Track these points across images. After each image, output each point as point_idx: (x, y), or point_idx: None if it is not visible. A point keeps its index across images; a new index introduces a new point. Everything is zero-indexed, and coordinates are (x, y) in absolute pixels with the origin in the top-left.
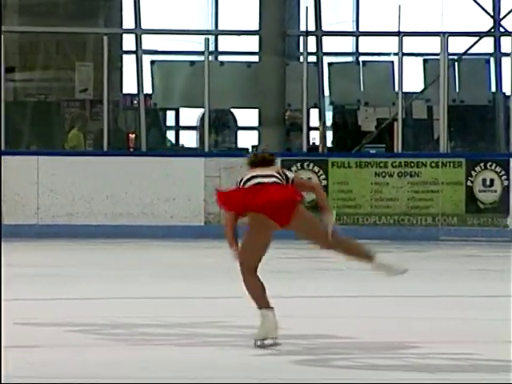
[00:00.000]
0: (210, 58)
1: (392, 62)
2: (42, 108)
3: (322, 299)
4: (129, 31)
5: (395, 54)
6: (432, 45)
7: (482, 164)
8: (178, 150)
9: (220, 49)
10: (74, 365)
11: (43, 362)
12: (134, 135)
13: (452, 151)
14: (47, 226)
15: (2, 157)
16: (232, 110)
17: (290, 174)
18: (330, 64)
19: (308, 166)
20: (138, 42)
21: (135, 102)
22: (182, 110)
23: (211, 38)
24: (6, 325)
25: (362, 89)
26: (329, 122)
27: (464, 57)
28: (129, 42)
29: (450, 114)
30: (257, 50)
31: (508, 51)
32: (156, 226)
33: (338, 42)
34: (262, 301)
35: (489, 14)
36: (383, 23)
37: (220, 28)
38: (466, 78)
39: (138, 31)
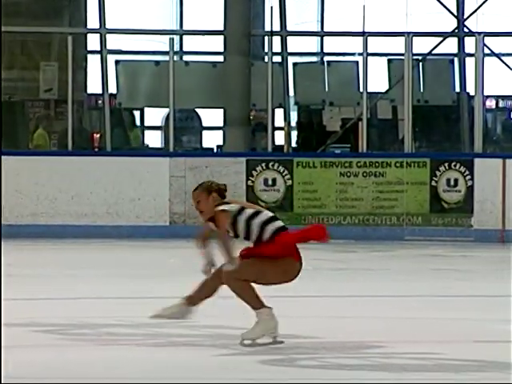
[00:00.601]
0: (175, 57)
1: (357, 62)
2: (7, 108)
3: (283, 299)
4: (93, 31)
5: (360, 54)
6: (396, 45)
7: (446, 164)
8: (143, 150)
9: (185, 49)
10: (37, 365)
11: (5, 362)
12: (98, 135)
13: (416, 151)
14: (11, 225)
15: None
16: (197, 109)
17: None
18: (294, 64)
19: (273, 165)
20: (103, 41)
21: (100, 101)
22: (146, 110)
23: (176, 37)
24: None
25: (326, 89)
26: (294, 122)
27: (428, 57)
28: (93, 42)
29: (415, 114)
30: (222, 49)
31: (472, 51)
32: (121, 225)
33: (302, 41)
34: (258, 301)
35: (453, 14)
36: (348, 23)
37: (185, 28)
38: (431, 78)
39: (103, 31)
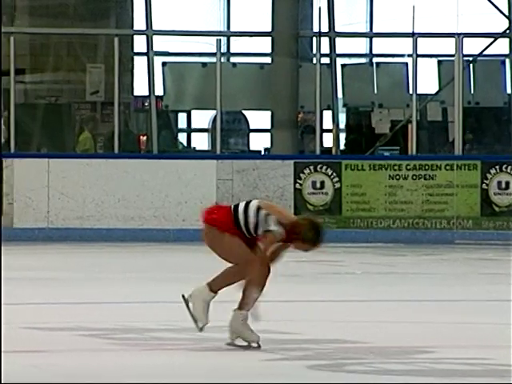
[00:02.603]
0: (222, 59)
1: (406, 63)
2: (53, 110)
3: (333, 303)
4: (140, 32)
5: (409, 56)
6: (447, 46)
7: (497, 166)
8: (190, 153)
9: (232, 50)
10: (85, 369)
11: (54, 367)
12: (145, 137)
13: (467, 153)
14: (57, 229)
15: (13, 159)
16: (244, 111)
17: None
18: (343, 65)
19: (321, 168)
20: (150, 43)
21: (146, 104)
22: (193, 112)
23: (223, 39)
24: (16, 329)
25: (375, 90)
26: (342, 124)
27: (479, 58)
28: (140, 44)
29: (465, 116)
30: (269, 51)
31: None
32: (168, 229)
33: (351, 43)
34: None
35: (504, 14)
36: (397, 24)
37: (232, 29)
38: (481, 79)
39: (150, 32)
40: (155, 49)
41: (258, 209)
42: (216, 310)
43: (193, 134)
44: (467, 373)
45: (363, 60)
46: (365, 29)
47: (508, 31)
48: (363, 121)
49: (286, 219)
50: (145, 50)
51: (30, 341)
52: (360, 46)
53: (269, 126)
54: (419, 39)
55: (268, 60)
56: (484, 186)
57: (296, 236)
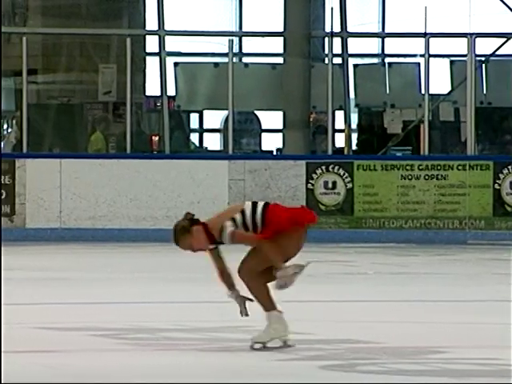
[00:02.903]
0: (234, 59)
1: (418, 63)
2: (65, 110)
3: (345, 303)
4: (152, 33)
5: (421, 56)
6: (459, 46)
7: (509, 167)
8: (202, 153)
9: (244, 50)
10: (97, 369)
11: (66, 367)
12: (157, 138)
13: (479, 154)
14: (70, 229)
15: (26, 160)
16: (256, 112)
17: None
18: (355, 66)
19: (333, 168)
20: (162, 43)
21: (158, 104)
22: (205, 113)
23: (235, 39)
24: (28, 329)
25: (387, 91)
26: (354, 125)
27: (491, 58)
28: (152, 44)
29: (478, 116)
30: (281, 51)
31: None
32: None
33: (363, 43)
34: (270, 302)
35: None
36: (409, 24)
37: (244, 29)
38: (494, 79)
39: (162, 33)
40: (167, 49)
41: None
42: (227, 309)
43: (205, 134)
44: (480, 373)
45: (375, 60)
46: (377, 29)
47: None
48: (375, 121)
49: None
50: (157, 51)
51: (42, 341)
52: (372, 46)
53: (281, 126)
54: (431, 39)
55: (280, 60)
56: (496, 186)
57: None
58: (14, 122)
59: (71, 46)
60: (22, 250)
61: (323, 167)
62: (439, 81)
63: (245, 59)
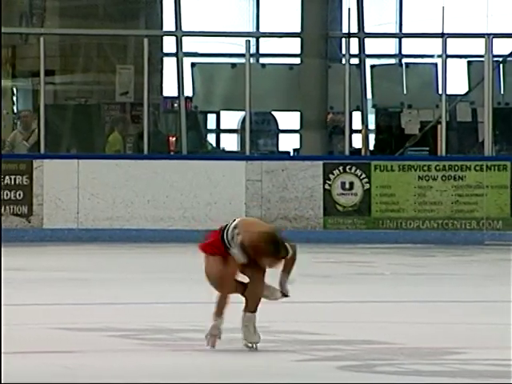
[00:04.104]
0: (252, 60)
1: (436, 64)
2: (83, 111)
3: (362, 304)
4: (169, 33)
5: (439, 56)
6: (476, 46)
7: None
8: (219, 154)
9: (261, 51)
10: (115, 370)
11: (84, 367)
12: (174, 138)
13: (497, 154)
14: (87, 230)
15: (43, 160)
16: (273, 112)
17: None
18: (372, 66)
19: (350, 169)
20: (179, 44)
21: (176, 104)
22: (222, 113)
23: (252, 40)
24: (47, 330)
25: (405, 91)
26: (371, 125)
27: (509, 58)
28: (169, 45)
29: (495, 117)
30: (299, 52)
31: None
32: (197, 229)
33: (380, 43)
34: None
35: None
36: (427, 25)
37: (262, 30)
38: (511, 79)
39: (179, 33)
40: (184, 50)
41: (234, 228)
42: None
43: (222, 135)
44: (497, 374)
45: (392, 61)
46: (394, 29)
47: None
48: (392, 121)
49: (250, 241)
50: (174, 51)
51: (59, 341)
52: (389, 46)
53: (298, 127)
54: (449, 40)
55: (297, 61)
56: None
57: (259, 255)
58: (19, 122)
59: (88, 46)
60: (40, 250)
61: (340, 168)
62: (456, 81)
63: (262, 60)
